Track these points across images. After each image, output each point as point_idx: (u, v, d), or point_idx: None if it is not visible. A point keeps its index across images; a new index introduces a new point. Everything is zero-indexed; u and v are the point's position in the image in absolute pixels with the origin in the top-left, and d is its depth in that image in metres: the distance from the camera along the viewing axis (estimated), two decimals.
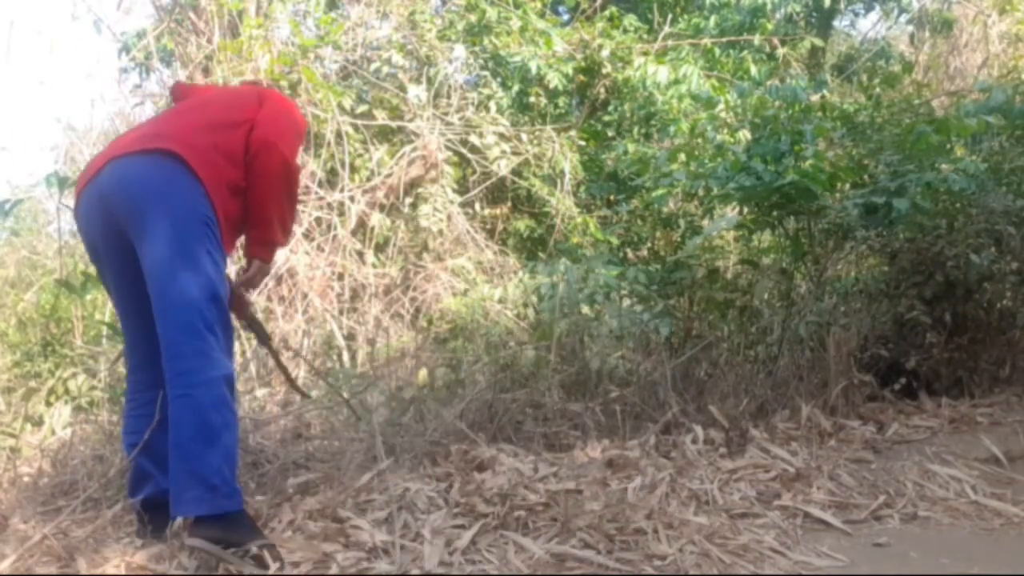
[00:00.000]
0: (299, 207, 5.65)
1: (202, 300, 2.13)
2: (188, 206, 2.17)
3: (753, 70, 7.46)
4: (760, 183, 3.73)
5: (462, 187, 6.50)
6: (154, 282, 2.14)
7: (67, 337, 5.06)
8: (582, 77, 7.25)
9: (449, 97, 6.49)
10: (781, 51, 7.86)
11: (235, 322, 2.57)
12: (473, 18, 6.85)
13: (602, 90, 7.35)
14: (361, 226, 5.97)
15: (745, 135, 5.03)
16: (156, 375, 2.21)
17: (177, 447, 2.06)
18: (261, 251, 2.41)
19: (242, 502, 2.13)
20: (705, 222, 5.35)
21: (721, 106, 5.74)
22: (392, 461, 2.79)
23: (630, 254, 6.40)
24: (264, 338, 2.69)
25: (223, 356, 2.16)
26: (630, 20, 7.63)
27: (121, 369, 4.29)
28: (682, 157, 4.66)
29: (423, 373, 3.51)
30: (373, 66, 6.51)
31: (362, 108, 6.29)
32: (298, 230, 5.61)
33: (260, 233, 2.38)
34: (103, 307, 5.57)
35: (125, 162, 2.20)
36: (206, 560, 2.05)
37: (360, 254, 5.95)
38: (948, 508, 2.71)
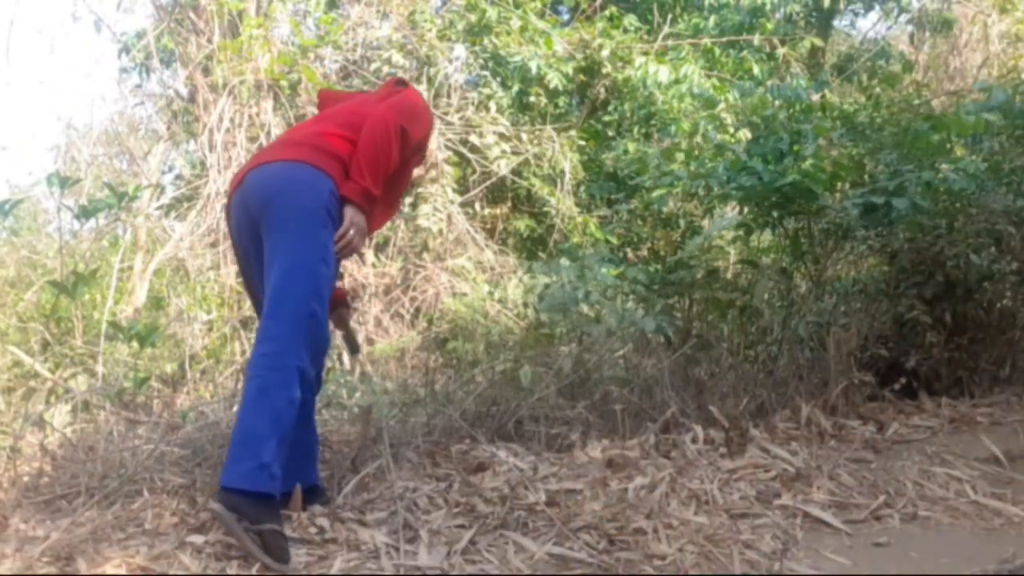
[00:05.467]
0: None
1: (306, 295, 2.33)
2: (308, 202, 2.39)
3: (755, 70, 7.46)
4: (760, 183, 3.73)
5: (462, 187, 6.50)
6: (270, 270, 2.35)
7: (67, 337, 5.06)
8: (582, 77, 7.25)
9: (449, 97, 6.49)
10: (781, 51, 7.86)
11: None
12: (473, 18, 6.85)
13: (602, 90, 7.35)
14: None
15: (745, 135, 5.03)
16: None
17: (244, 419, 2.22)
18: (350, 190, 2.50)
19: (279, 488, 2.21)
20: (705, 222, 5.34)
21: (721, 106, 5.73)
22: (392, 461, 2.79)
23: (630, 254, 6.40)
24: (355, 349, 3.09)
25: (303, 348, 2.31)
26: (630, 20, 7.63)
27: (117, 368, 4.31)
28: (680, 157, 4.66)
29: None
30: (373, 66, 6.51)
31: None
32: None
33: (352, 174, 2.52)
34: (102, 307, 5.57)
35: (261, 170, 2.48)
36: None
37: (360, 254, 5.96)
38: (948, 508, 2.70)
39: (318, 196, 2.39)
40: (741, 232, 4.28)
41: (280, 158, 2.48)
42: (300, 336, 2.30)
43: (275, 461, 2.19)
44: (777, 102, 4.47)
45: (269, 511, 2.17)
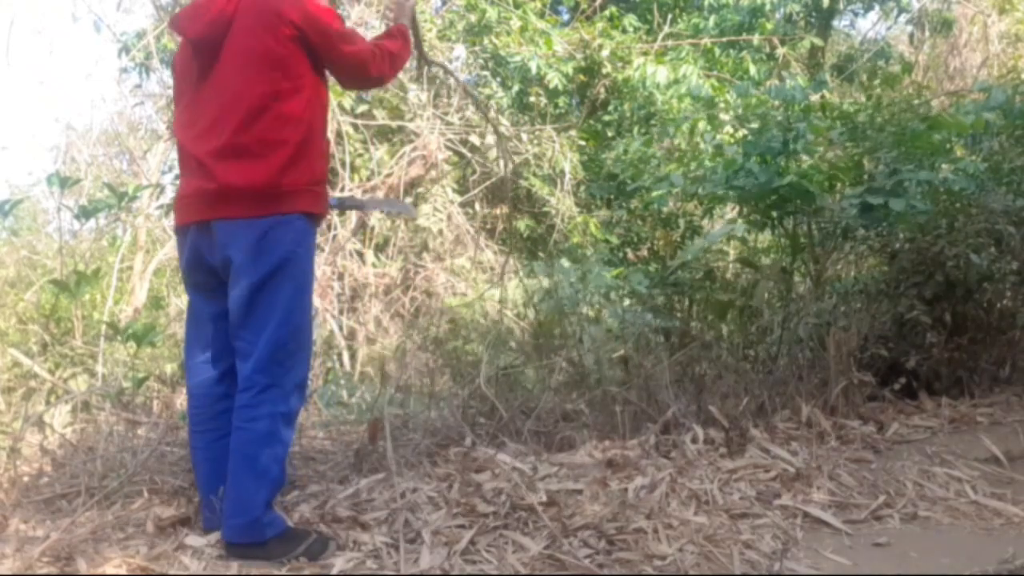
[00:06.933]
0: None
1: (305, 342, 2.29)
2: (295, 257, 2.25)
3: (753, 70, 7.46)
4: (756, 183, 3.71)
5: (462, 187, 6.51)
6: (255, 310, 2.22)
7: (67, 337, 5.06)
8: (582, 77, 7.25)
9: (449, 97, 6.49)
10: (781, 51, 7.86)
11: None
12: (473, 18, 6.85)
13: (602, 90, 7.36)
14: (361, 226, 5.97)
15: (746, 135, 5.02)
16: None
17: (233, 474, 2.19)
18: None
19: (283, 523, 2.22)
20: (705, 222, 5.34)
21: (720, 106, 5.73)
22: (394, 463, 2.79)
23: (630, 254, 6.40)
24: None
25: (290, 391, 2.25)
26: (630, 20, 7.64)
27: (117, 368, 4.30)
28: (681, 157, 4.65)
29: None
30: None
31: (362, 108, 6.30)
32: None
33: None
34: (102, 307, 5.57)
35: (222, 226, 2.23)
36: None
37: (360, 254, 5.96)
38: (948, 508, 2.70)
39: (303, 240, 2.26)
40: (741, 228, 4.27)
41: (243, 215, 2.18)
42: (298, 381, 2.28)
43: (271, 507, 2.22)
44: (776, 102, 4.45)
45: (288, 538, 2.19)
